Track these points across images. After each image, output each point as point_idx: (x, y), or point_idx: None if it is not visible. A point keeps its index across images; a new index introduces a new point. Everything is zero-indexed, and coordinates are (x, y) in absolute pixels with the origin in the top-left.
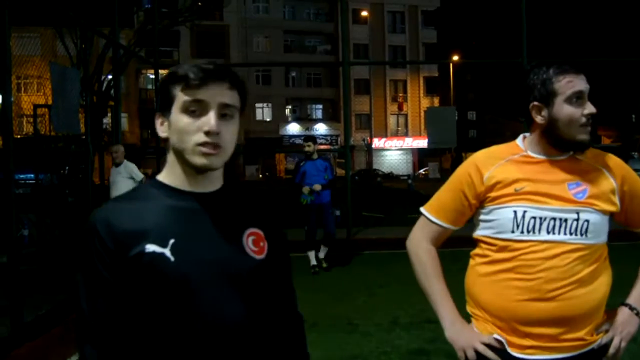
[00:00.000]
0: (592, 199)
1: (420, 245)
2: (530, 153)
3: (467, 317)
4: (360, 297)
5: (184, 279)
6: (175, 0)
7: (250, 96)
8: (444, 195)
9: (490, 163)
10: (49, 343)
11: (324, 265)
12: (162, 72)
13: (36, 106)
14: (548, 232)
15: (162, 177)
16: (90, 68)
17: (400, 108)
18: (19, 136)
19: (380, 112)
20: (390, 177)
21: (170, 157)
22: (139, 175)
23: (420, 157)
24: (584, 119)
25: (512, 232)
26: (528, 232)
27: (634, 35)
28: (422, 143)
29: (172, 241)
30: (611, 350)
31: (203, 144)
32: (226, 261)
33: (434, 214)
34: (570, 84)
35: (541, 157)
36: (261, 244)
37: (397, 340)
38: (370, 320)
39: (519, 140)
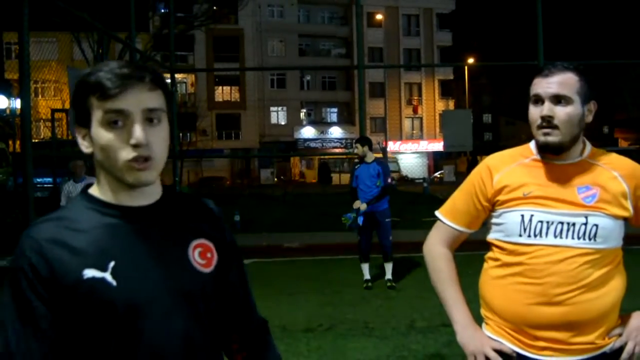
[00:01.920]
0: (602, 203)
1: (435, 249)
2: (538, 157)
3: (481, 321)
4: (377, 300)
5: (130, 303)
6: (190, 4)
7: (265, 100)
8: (457, 198)
9: (501, 166)
10: None
11: (390, 284)
12: (178, 76)
13: (54, 110)
14: (555, 236)
15: (94, 190)
16: None
17: (415, 111)
18: (36, 140)
19: (395, 115)
20: (405, 180)
21: (100, 173)
22: None
23: (435, 160)
24: (539, 121)
25: (520, 235)
26: (535, 235)
27: None
28: (438, 146)
29: (112, 264)
30: (624, 355)
31: (133, 160)
32: (173, 279)
33: (448, 217)
34: (534, 86)
35: (548, 161)
36: (208, 254)
37: (414, 345)
38: (387, 324)
39: (531, 144)
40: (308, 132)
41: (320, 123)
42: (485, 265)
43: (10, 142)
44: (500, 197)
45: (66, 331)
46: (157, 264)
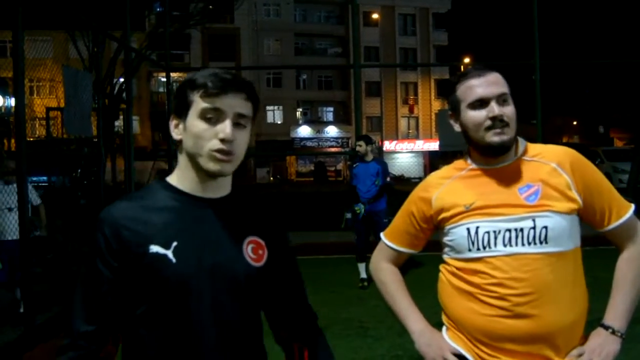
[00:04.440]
0: (546, 200)
1: (379, 265)
2: (474, 166)
3: (439, 326)
4: (372, 300)
5: (183, 280)
6: (186, 3)
7: (261, 99)
8: (397, 220)
9: (438, 184)
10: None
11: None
12: (174, 75)
13: (49, 109)
14: (505, 245)
15: (172, 179)
16: (102, 71)
17: (411, 110)
18: (31, 139)
19: (391, 115)
20: (402, 179)
21: (183, 160)
22: (37, 200)
23: (431, 159)
24: (489, 122)
25: (469, 250)
26: (484, 248)
27: None
28: (434, 146)
29: (175, 244)
30: None
31: (217, 150)
32: (225, 266)
33: (388, 238)
34: (471, 89)
35: (485, 167)
36: (260, 252)
37: (409, 344)
38: (382, 323)
39: (466, 155)
40: (304, 131)
41: (317, 122)
42: (442, 275)
43: (5, 141)
44: (443, 215)
45: (128, 296)
46: (213, 251)
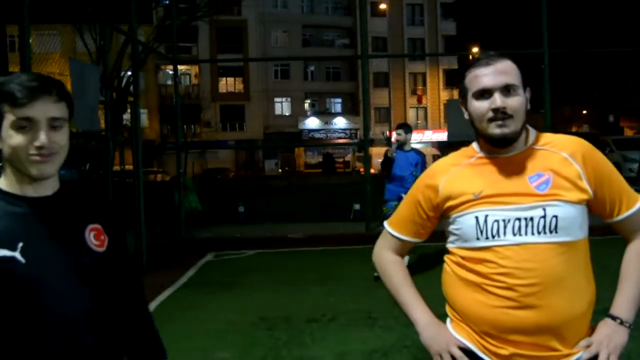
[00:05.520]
0: (557, 189)
1: (383, 256)
2: (483, 154)
3: (444, 317)
4: (380, 291)
5: (35, 278)
6: None
7: (269, 91)
8: (402, 208)
9: (445, 171)
10: None
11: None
12: (181, 67)
13: None
14: (514, 234)
15: (2, 185)
16: (110, 64)
17: (419, 101)
18: None
19: (399, 106)
20: None
21: (7, 166)
22: None
23: (440, 150)
24: (491, 113)
25: (477, 239)
26: (493, 237)
27: None
28: (442, 136)
29: (20, 244)
30: None
31: (36, 155)
32: (72, 257)
33: (393, 227)
34: (477, 79)
35: (494, 156)
36: (102, 237)
37: (417, 335)
38: (390, 314)
39: (474, 143)
40: (312, 122)
41: (325, 113)
42: (447, 267)
43: None
44: (450, 203)
45: None
46: (59, 244)
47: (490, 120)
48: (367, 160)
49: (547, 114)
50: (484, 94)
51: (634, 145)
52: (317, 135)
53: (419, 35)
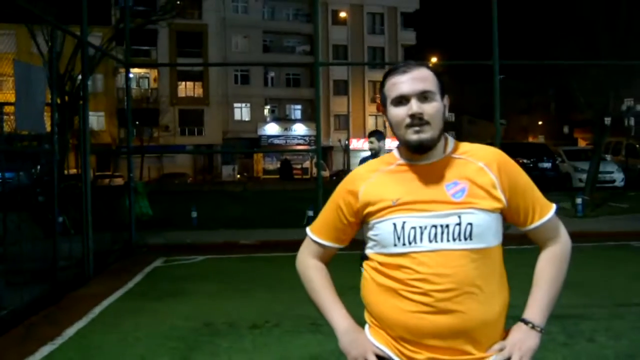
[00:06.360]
0: (471, 198)
1: (304, 262)
2: (402, 161)
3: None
4: None
5: None
6: None
7: (229, 96)
8: (324, 213)
9: (366, 178)
10: (8, 344)
11: None
12: (140, 71)
13: (2, 104)
14: (430, 241)
15: None
16: (62, 67)
17: (379, 109)
18: None
19: (359, 113)
20: None
21: None
22: None
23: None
24: (408, 120)
25: (395, 245)
26: (409, 243)
27: (613, 39)
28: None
29: None
30: None
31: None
32: None
33: (315, 232)
34: (394, 86)
35: (413, 163)
36: None
37: None
38: None
39: (395, 150)
40: (272, 128)
41: (284, 120)
42: (365, 273)
43: None
44: (370, 209)
45: None
46: None
47: (408, 126)
48: (320, 167)
49: (497, 124)
50: (402, 100)
51: (584, 156)
52: (276, 141)
53: (379, 44)
